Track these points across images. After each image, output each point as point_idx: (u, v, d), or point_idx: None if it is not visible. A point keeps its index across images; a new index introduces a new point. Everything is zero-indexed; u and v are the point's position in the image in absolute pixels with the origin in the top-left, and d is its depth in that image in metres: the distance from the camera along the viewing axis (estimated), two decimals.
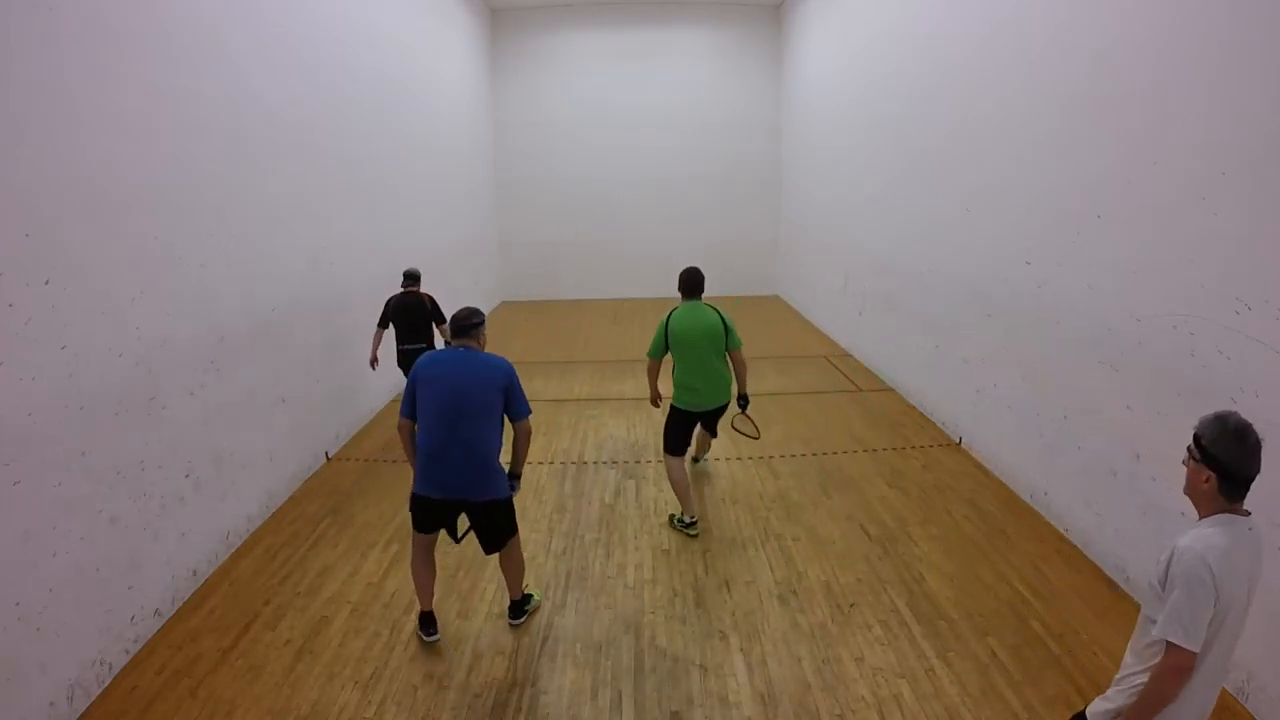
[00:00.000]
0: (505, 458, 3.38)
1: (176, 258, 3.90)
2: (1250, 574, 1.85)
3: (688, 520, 4.54)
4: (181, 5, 3.99)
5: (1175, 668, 1.82)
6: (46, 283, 2.98)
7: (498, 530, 3.41)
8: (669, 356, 4.53)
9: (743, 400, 4.65)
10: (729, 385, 4.52)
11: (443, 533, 3.45)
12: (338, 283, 6.09)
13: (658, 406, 4.94)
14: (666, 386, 4.61)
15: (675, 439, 4.54)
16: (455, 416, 3.22)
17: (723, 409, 4.57)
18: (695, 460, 5.43)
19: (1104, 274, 3.99)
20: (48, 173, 3.01)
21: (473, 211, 11.58)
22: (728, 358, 4.51)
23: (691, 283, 4.51)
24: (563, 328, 11.08)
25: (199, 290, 4.10)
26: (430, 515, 3.35)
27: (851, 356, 8.89)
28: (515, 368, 3.39)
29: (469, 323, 3.40)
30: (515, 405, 3.34)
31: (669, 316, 4.47)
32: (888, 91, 7.68)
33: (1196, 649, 1.78)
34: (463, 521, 3.44)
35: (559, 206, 13.38)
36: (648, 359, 4.62)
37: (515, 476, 3.45)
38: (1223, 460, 1.82)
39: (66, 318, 3.09)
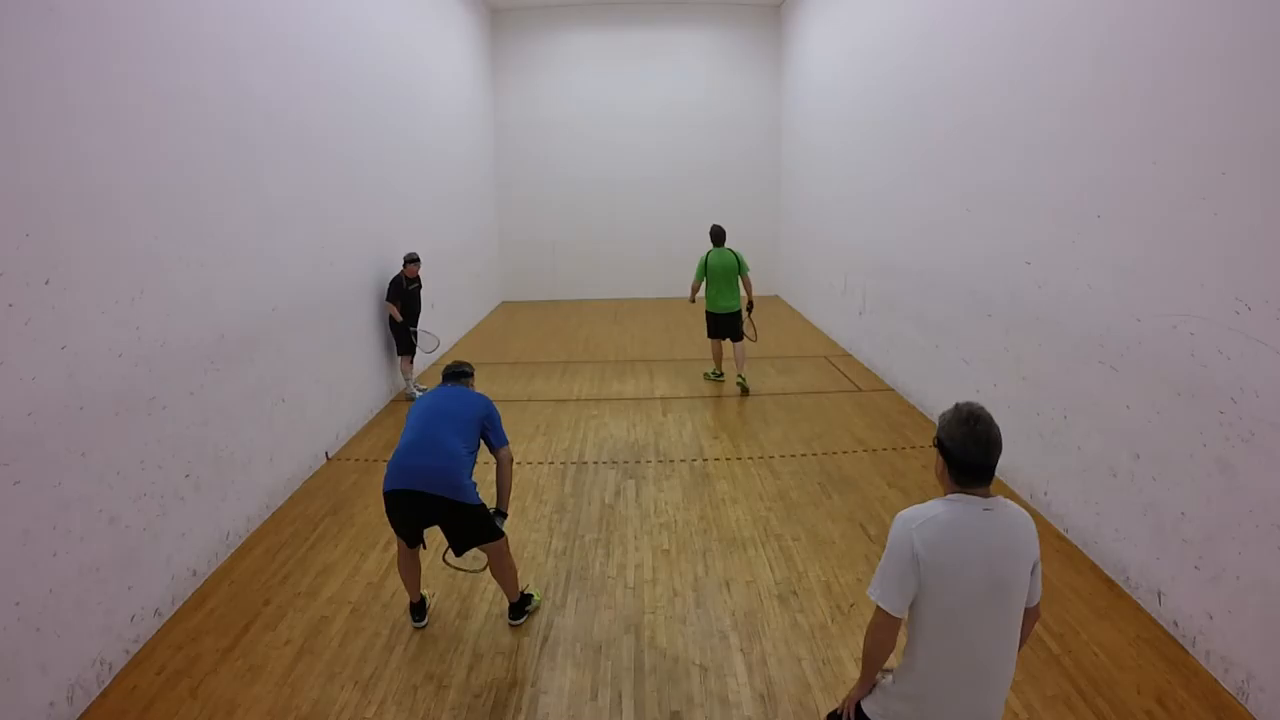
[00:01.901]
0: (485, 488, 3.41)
1: (176, 258, 3.90)
2: (992, 555, 1.80)
3: (714, 374, 7.81)
4: (181, 5, 3.99)
5: (874, 625, 1.89)
6: (46, 283, 2.98)
7: (467, 536, 3.38)
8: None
9: (749, 307, 7.41)
10: (736, 299, 7.34)
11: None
12: (338, 283, 6.09)
13: (694, 303, 7.74)
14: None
15: (710, 329, 7.56)
16: (431, 419, 3.42)
17: (732, 314, 7.35)
18: (739, 380, 7.41)
19: (1104, 274, 3.99)
20: (48, 173, 3.01)
21: (473, 211, 11.57)
22: (739, 282, 7.29)
23: (717, 235, 7.40)
24: (563, 328, 11.07)
25: (199, 290, 4.10)
26: (400, 516, 3.33)
27: (851, 356, 8.89)
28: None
29: (461, 370, 3.79)
30: (494, 435, 3.56)
31: (706, 256, 7.35)
32: (888, 91, 7.68)
33: (893, 611, 1.83)
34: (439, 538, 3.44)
35: (559, 206, 13.38)
36: (694, 280, 7.45)
37: (501, 514, 3.53)
38: (946, 444, 1.85)
39: (66, 318, 3.09)
